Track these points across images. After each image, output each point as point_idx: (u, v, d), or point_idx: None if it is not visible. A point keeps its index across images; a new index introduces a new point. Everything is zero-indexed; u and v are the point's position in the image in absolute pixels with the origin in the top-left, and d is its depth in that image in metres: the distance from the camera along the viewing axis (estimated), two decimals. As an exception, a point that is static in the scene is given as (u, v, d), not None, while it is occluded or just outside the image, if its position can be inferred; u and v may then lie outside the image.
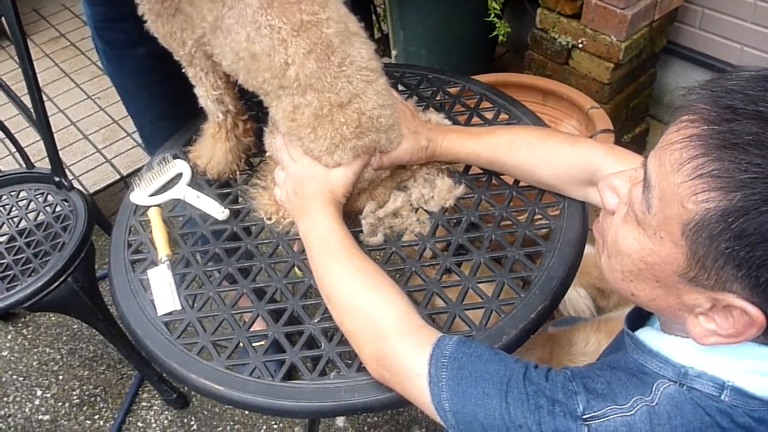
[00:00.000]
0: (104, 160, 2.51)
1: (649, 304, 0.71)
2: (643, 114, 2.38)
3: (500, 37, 2.12)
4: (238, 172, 1.22)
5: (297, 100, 0.98)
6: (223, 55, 1.00)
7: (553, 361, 1.42)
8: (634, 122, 2.34)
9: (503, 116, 1.29)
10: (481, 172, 1.17)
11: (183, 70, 1.11)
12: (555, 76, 2.18)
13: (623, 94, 2.17)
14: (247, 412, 1.83)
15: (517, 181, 1.15)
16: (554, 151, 1.04)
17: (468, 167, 1.19)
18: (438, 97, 1.36)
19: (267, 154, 1.17)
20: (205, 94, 1.13)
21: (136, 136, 2.56)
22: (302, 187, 1.04)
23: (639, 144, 2.38)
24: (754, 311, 0.60)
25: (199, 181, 1.23)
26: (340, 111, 0.99)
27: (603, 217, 0.77)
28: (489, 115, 1.30)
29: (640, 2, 1.93)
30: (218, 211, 1.15)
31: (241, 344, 0.97)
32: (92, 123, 2.68)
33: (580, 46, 2.06)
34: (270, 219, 1.13)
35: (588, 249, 1.08)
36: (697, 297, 0.64)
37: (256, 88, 1.02)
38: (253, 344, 0.97)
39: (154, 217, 1.15)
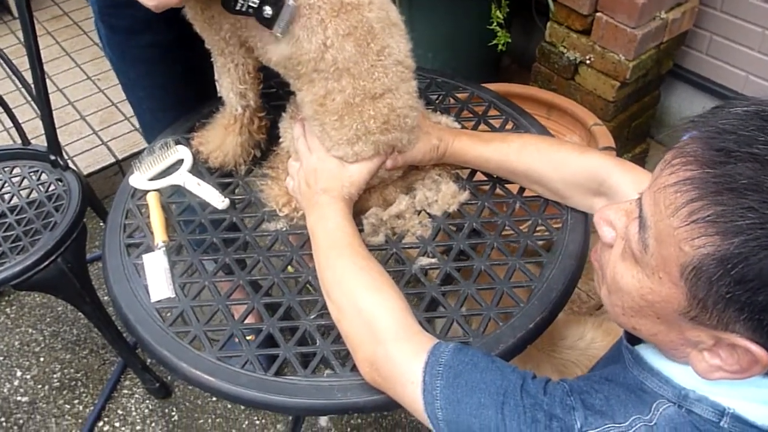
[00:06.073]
0: (100, 143, 2.48)
1: (650, 338, 0.70)
2: (645, 134, 2.38)
3: (500, 47, 2.12)
4: (242, 166, 1.20)
5: (330, 85, 0.96)
6: (260, 37, 0.98)
7: (533, 348, 1.29)
8: (635, 142, 2.34)
9: (510, 125, 1.29)
10: (485, 179, 1.16)
11: (212, 59, 1.09)
12: (560, 90, 2.18)
13: (627, 113, 2.18)
14: (229, 406, 1.81)
15: (521, 191, 1.14)
16: (564, 158, 1.04)
17: (473, 173, 1.18)
18: (446, 102, 1.35)
19: (280, 141, 1.15)
20: (230, 86, 1.11)
21: (135, 120, 2.53)
22: (315, 179, 1.03)
23: (638, 164, 2.36)
24: (759, 351, 0.59)
25: (200, 168, 1.21)
26: (372, 103, 0.97)
27: (601, 249, 0.75)
28: (496, 123, 1.29)
29: (651, 23, 1.94)
30: (218, 200, 1.13)
31: (235, 338, 0.95)
32: (90, 104, 2.65)
33: (588, 62, 2.06)
34: (282, 211, 1.11)
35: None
36: (700, 334, 0.64)
37: (288, 70, 0.99)
38: (247, 337, 0.96)
39: (153, 201, 1.13)
